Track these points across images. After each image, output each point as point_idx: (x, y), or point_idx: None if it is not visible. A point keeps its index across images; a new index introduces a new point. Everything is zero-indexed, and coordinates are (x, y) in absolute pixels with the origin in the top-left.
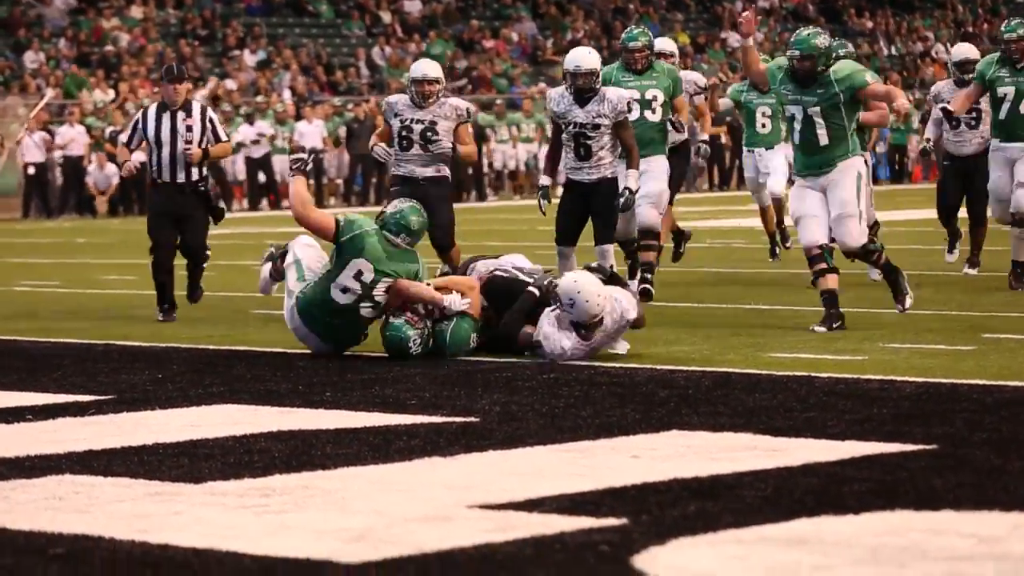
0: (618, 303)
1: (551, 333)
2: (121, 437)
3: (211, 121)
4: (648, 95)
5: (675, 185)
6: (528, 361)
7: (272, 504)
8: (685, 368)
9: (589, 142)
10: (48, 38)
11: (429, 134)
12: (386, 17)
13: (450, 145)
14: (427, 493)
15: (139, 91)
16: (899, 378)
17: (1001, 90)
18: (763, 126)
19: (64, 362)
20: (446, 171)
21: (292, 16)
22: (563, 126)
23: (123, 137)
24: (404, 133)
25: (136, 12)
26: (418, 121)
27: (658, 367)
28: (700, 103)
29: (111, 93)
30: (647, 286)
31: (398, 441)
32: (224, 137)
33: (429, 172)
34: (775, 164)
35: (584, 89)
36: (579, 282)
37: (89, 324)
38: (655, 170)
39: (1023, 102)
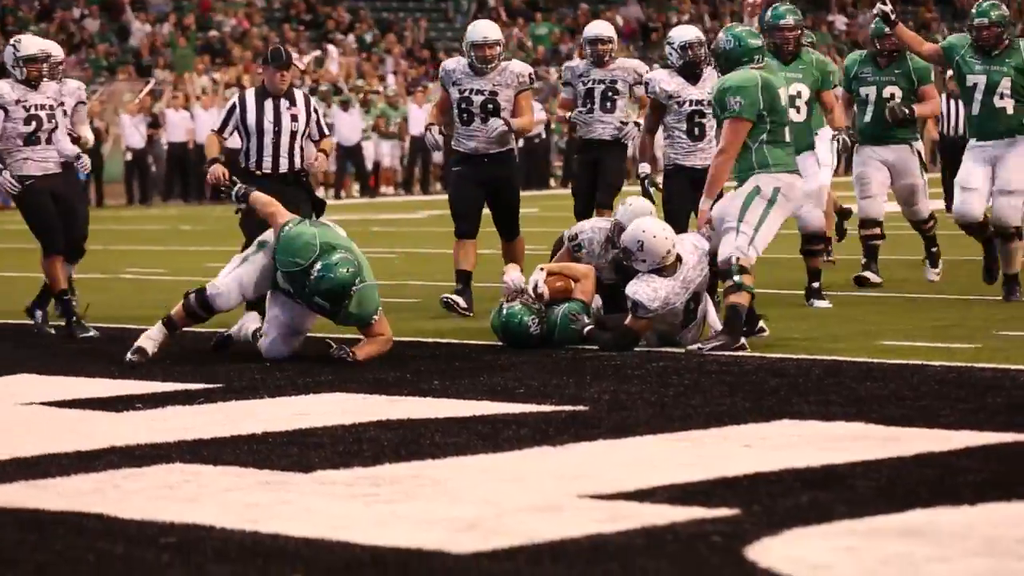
0: (682, 240)
1: (640, 288)
2: (230, 426)
3: (315, 111)
4: (792, 90)
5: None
6: (638, 349)
7: (382, 493)
8: (795, 356)
9: (704, 120)
10: (152, 22)
11: (490, 106)
12: (491, 0)
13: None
14: (537, 483)
15: (244, 78)
16: (1013, 367)
17: (971, 78)
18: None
19: (172, 351)
20: (512, 145)
21: (396, 0)
22: (675, 107)
23: (215, 124)
24: (464, 105)
25: None
26: (478, 92)
27: (768, 355)
28: (642, 94)
29: (224, 75)
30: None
31: (507, 430)
32: (327, 131)
33: (494, 149)
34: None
35: (697, 63)
36: (639, 223)
37: None
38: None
39: (995, 94)
